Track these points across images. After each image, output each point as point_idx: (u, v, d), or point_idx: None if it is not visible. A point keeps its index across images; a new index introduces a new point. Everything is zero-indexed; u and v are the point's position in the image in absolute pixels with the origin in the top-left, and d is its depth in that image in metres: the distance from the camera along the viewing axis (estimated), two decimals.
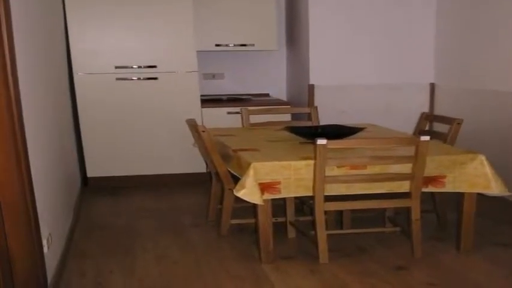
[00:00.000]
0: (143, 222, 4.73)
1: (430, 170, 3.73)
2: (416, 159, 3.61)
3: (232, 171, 4.00)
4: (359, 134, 4.23)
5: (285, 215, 4.28)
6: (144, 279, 3.56)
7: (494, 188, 3.76)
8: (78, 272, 3.69)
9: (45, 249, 3.15)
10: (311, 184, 3.63)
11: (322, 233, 3.71)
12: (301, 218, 4.38)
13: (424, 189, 3.79)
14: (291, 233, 4.28)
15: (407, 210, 3.83)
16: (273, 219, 3.82)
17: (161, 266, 3.77)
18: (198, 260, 3.89)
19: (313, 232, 3.82)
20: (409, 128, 5.21)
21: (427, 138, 3.59)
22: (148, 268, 3.74)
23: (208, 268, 3.73)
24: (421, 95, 6.16)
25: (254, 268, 3.72)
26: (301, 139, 4.23)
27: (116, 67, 5.58)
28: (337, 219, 4.37)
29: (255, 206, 3.75)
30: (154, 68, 5.63)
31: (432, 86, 6.16)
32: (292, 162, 3.62)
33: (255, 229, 3.95)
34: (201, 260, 3.89)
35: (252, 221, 4.18)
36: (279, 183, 3.63)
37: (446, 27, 5.92)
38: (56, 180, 3.93)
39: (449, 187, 3.82)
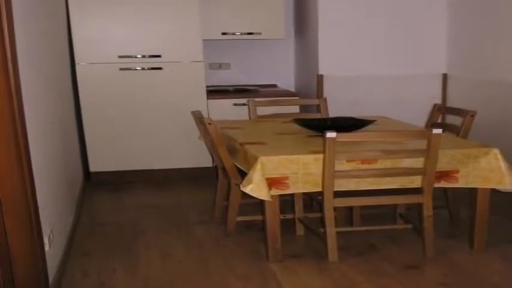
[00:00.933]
0: (147, 218, 4.70)
1: (442, 164, 3.69)
2: (429, 153, 3.57)
3: (239, 166, 3.97)
4: (369, 127, 4.19)
5: (293, 211, 4.25)
6: (148, 279, 3.54)
7: (508, 183, 3.71)
8: (80, 271, 3.67)
9: (47, 248, 3.13)
10: (320, 179, 3.59)
11: (331, 231, 3.68)
12: (310, 215, 4.34)
13: (437, 185, 3.75)
14: (300, 230, 4.25)
15: (419, 206, 3.79)
16: (281, 216, 3.80)
17: (166, 265, 3.75)
18: (204, 259, 3.86)
19: (322, 229, 3.79)
20: (420, 121, 5.16)
21: (439, 131, 3.55)
22: (153, 267, 3.72)
23: (214, 267, 3.71)
24: (433, 85, 6.11)
25: (261, 267, 3.69)
26: (310, 132, 4.20)
27: (119, 56, 5.54)
28: (346, 216, 4.33)
29: (262, 202, 3.72)
30: (158, 58, 5.59)
31: (445, 77, 6.10)
32: (301, 156, 3.59)
33: (262, 226, 3.91)
34: (207, 258, 3.87)
35: (259, 217, 4.15)
36: (287, 178, 3.59)
37: (459, 15, 5.86)
38: (58, 174, 3.91)
39: (462, 182, 3.77)
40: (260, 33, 6.10)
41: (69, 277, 3.58)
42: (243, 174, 3.74)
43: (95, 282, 3.49)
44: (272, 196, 3.58)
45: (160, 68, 5.60)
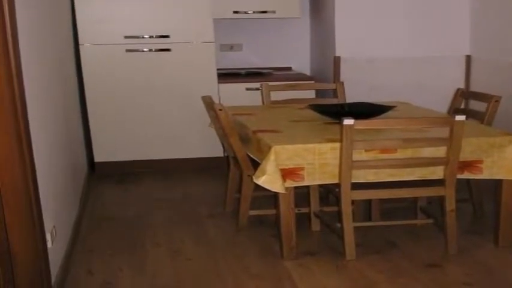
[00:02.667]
0: (155, 213, 4.65)
1: (466, 154, 3.62)
2: (451, 141, 3.50)
3: (251, 156, 3.92)
4: (389, 113, 4.12)
5: (308, 205, 4.20)
6: (156, 277, 3.51)
7: None
8: (85, 269, 3.64)
9: (49, 244, 3.09)
10: (337, 170, 3.54)
11: (348, 226, 3.63)
12: (326, 209, 4.28)
13: (460, 176, 3.68)
14: (315, 225, 4.20)
15: (441, 200, 3.73)
16: (296, 210, 3.75)
17: (174, 263, 3.71)
18: (215, 256, 3.83)
19: (339, 224, 3.73)
20: (442, 106, 5.07)
21: (462, 117, 3.47)
22: (161, 265, 3.68)
23: (226, 265, 3.67)
24: (455, 68, 6.01)
25: (275, 265, 3.66)
26: (327, 119, 4.13)
27: (126, 37, 5.48)
28: (365, 210, 4.27)
29: (276, 194, 3.66)
30: (166, 38, 5.52)
31: (468, 59, 6.00)
32: (317, 146, 3.54)
33: (276, 221, 3.87)
34: (218, 255, 3.84)
35: (273, 212, 4.10)
36: (302, 169, 3.55)
37: None
38: (61, 164, 3.87)
39: (486, 173, 3.71)
40: (274, 12, 6.00)
41: (73, 276, 3.55)
42: (255, 165, 3.68)
43: (100, 281, 3.46)
44: (286, 188, 3.53)
45: (168, 50, 5.54)
